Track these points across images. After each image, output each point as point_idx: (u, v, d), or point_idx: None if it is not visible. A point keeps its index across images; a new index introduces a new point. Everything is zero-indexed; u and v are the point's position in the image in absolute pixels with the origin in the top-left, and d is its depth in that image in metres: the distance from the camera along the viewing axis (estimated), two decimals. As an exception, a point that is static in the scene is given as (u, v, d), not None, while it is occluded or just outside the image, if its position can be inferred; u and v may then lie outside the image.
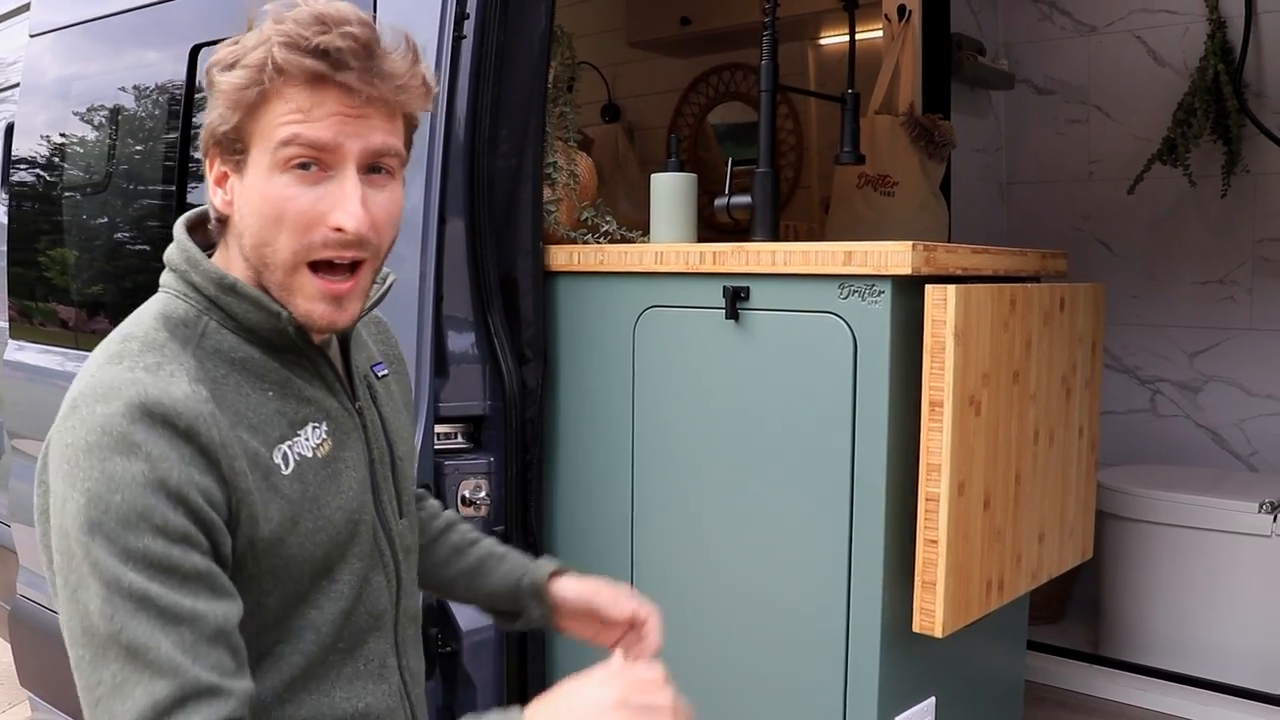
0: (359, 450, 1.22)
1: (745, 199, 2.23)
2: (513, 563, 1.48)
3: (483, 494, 2.35)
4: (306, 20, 1.06)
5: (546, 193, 2.46)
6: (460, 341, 2.37)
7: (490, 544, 1.52)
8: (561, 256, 2.35)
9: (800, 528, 2.04)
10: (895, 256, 1.84)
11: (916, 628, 1.91)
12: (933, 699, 2.13)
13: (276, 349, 1.15)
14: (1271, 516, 2.97)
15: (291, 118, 1.06)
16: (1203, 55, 3.37)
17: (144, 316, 1.12)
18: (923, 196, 3.08)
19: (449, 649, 2.37)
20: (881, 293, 1.89)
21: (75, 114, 3.19)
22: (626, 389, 2.25)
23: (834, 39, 3.69)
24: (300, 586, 1.12)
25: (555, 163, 2.54)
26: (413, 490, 1.34)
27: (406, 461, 1.31)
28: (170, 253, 1.17)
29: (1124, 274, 3.70)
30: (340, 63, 1.06)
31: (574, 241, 2.44)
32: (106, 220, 3.07)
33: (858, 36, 3.00)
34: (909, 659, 2.04)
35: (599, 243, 2.40)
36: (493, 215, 2.36)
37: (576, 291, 2.36)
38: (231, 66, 1.08)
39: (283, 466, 1.11)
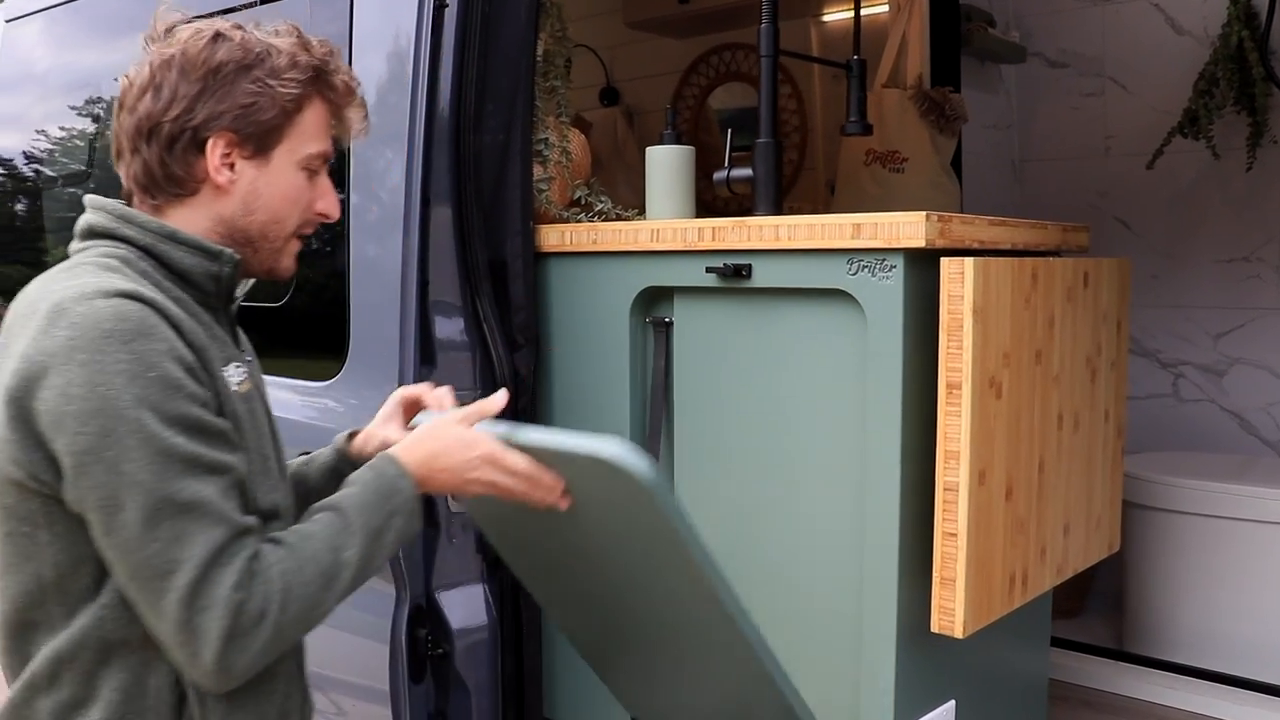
0: (260, 400, 1.35)
1: (746, 171, 2.10)
2: (317, 458, 1.58)
3: (473, 490, 2.22)
4: (329, 52, 1.33)
5: (537, 171, 2.33)
6: (448, 328, 2.24)
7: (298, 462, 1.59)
8: (553, 237, 2.22)
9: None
10: (908, 228, 1.71)
11: (935, 627, 1.78)
12: (952, 702, 2.00)
13: (204, 291, 1.27)
14: (1304, 504, 2.83)
15: (321, 132, 1.33)
16: (1225, 21, 3.21)
17: (80, 272, 1.19)
18: (933, 173, 2.95)
19: (441, 651, 2.25)
20: (893, 268, 1.75)
21: (55, 100, 3.08)
22: (623, 375, 2.12)
23: (837, 14, 3.55)
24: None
25: (546, 139, 2.40)
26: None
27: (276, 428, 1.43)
28: (92, 219, 1.27)
29: (1143, 253, 3.55)
30: (352, 96, 1.36)
31: (567, 222, 2.31)
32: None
33: (863, 12, 2.86)
34: (927, 660, 1.91)
35: (593, 222, 2.26)
36: (480, 195, 2.23)
37: (569, 273, 2.22)
38: (248, 68, 1.26)
39: (231, 383, 1.25)
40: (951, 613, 1.75)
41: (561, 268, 2.24)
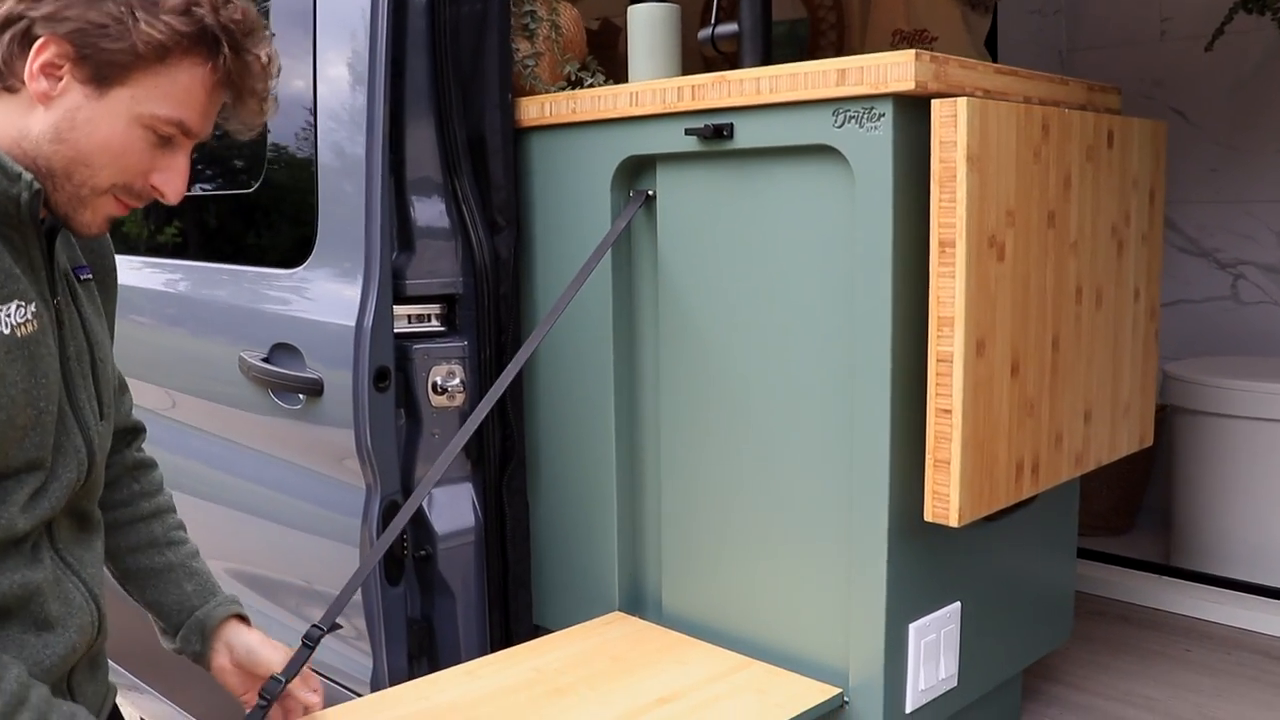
0: (54, 343, 1.18)
1: (732, 27, 1.92)
2: (196, 586, 1.46)
3: (456, 381, 2.10)
4: (242, 20, 1.16)
5: (525, 46, 2.17)
6: (427, 210, 2.11)
7: (186, 553, 1.48)
8: (533, 110, 2.07)
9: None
10: (896, 70, 1.53)
11: (929, 515, 1.62)
12: (957, 604, 1.84)
13: None
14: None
15: (187, 100, 1.14)
16: (1294, -122, 2.93)
17: None
18: (964, 53, 2.73)
19: (423, 552, 2.14)
20: (882, 115, 1.58)
21: None
22: (605, 255, 1.97)
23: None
24: None
25: (534, 12, 2.23)
26: (113, 394, 1.33)
27: (105, 365, 1.29)
28: None
29: (1202, 145, 3.29)
30: (253, 78, 1.18)
31: (551, 96, 2.15)
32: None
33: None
34: (927, 556, 1.75)
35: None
36: (458, 67, 2.08)
37: (549, 147, 2.07)
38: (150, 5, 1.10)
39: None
40: (946, 499, 1.59)
41: (542, 143, 2.09)
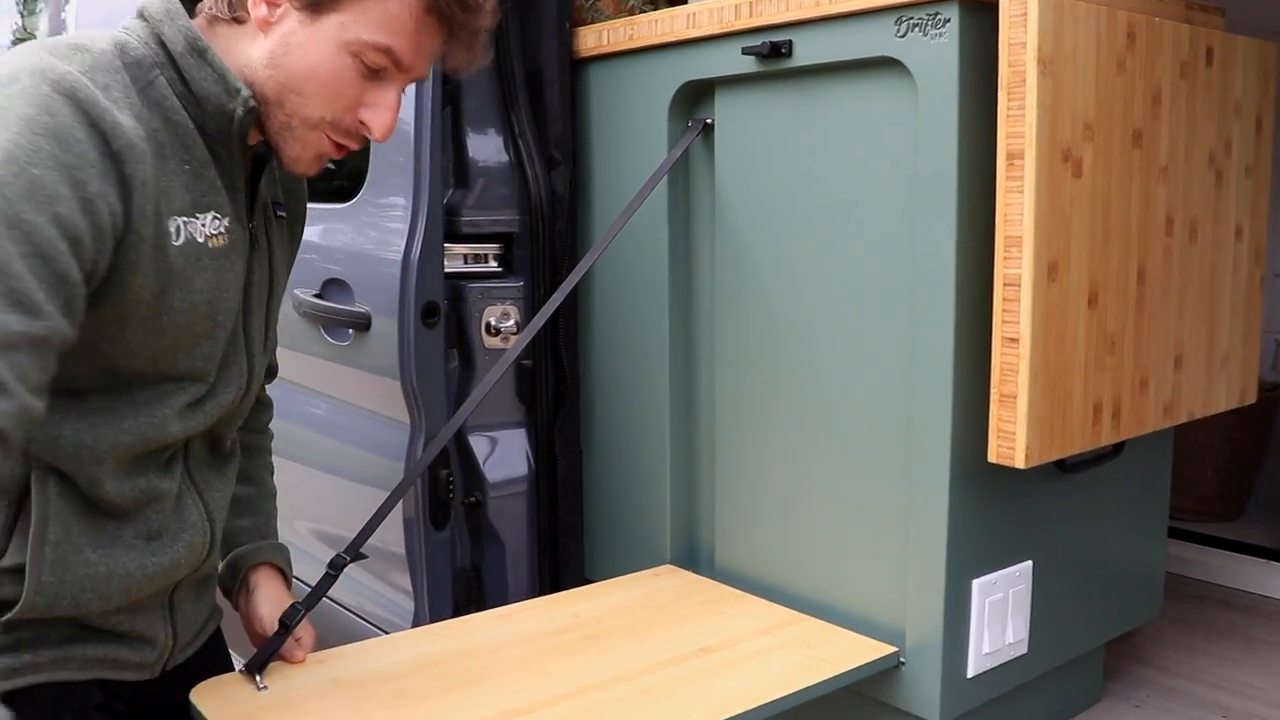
0: (242, 264, 1.21)
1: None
2: (253, 523, 1.47)
3: (510, 322, 2.04)
4: None
5: (589, -22, 2.09)
6: (483, 146, 2.05)
7: (260, 493, 1.49)
8: (590, 39, 1.99)
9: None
10: (963, -32, 1.41)
11: (992, 456, 1.49)
12: (1029, 563, 1.70)
13: (207, 131, 1.14)
14: None
15: (395, 28, 1.12)
16: None
17: (99, 38, 1.09)
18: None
19: (473, 499, 2.08)
20: (947, 21, 1.46)
21: None
22: (661, 184, 1.87)
23: None
24: (141, 361, 1.12)
25: (598, -56, 2.16)
26: (276, 330, 1.35)
27: (278, 299, 1.32)
28: (152, 3, 1.14)
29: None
30: (472, 16, 1.15)
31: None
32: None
33: None
34: (992, 505, 1.62)
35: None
36: (516, -5, 2.02)
37: (607, 78, 1.99)
38: None
39: (173, 235, 1.10)
40: (1011, 437, 1.46)
41: (600, 73, 2.01)
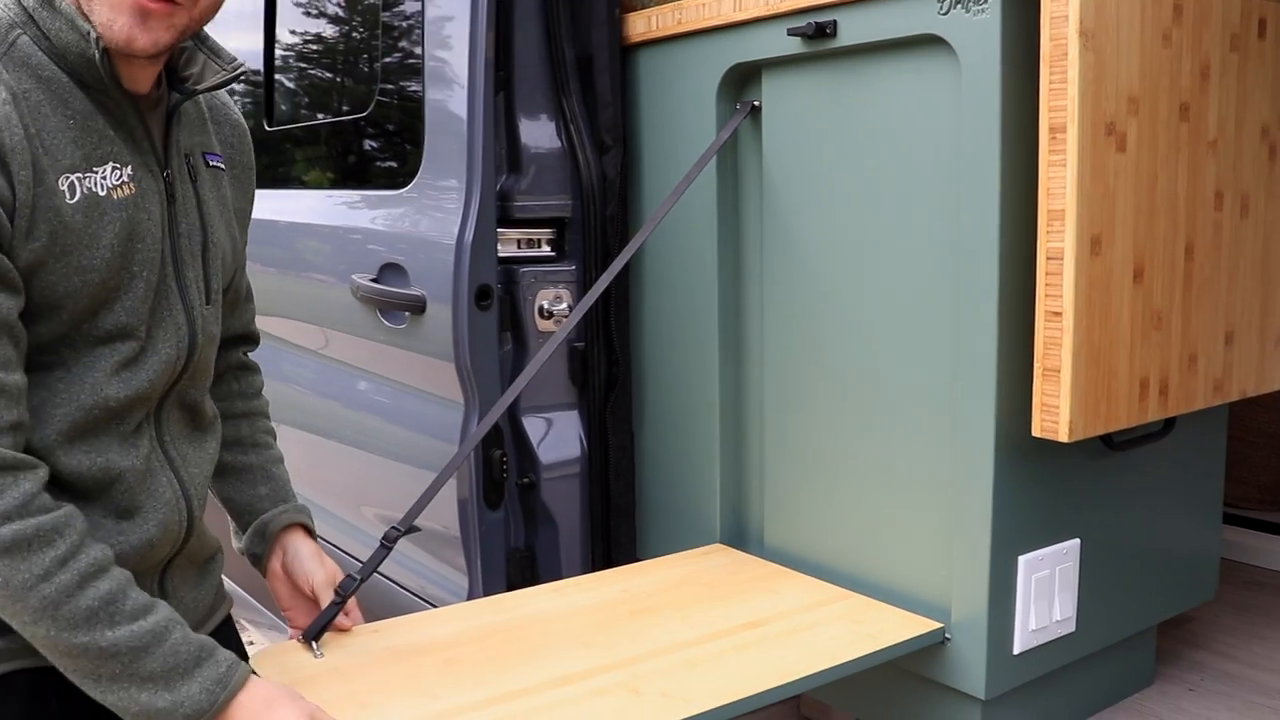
0: (158, 212, 1.18)
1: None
2: (270, 490, 1.47)
3: (563, 305, 2.07)
4: None
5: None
6: (535, 131, 2.08)
7: (268, 458, 1.49)
8: (640, 25, 2.02)
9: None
10: (1006, -56, 1.42)
11: (1036, 430, 1.49)
12: (1076, 541, 1.70)
13: (85, 84, 1.11)
14: None
15: None
16: None
17: None
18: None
19: (526, 480, 2.12)
20: (990, -3, 1.46)
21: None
22: (710, 168, 1.90)
23: None
24: (62, 325, 1.11)
25: (648, -69, 2.19)
26: (222, 282, 1.31)
27: (218, 250, 1.28)
28: None
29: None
30: None
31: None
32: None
33: None
34: (1039, 481, 1.62)
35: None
36: (566, -17, 2.05)
37: (655, 63, 2.02)
38: None
39: (67, 194, 1.08)
40: (1056, 411, 1.46)
41: (649, 58, 2.04)
